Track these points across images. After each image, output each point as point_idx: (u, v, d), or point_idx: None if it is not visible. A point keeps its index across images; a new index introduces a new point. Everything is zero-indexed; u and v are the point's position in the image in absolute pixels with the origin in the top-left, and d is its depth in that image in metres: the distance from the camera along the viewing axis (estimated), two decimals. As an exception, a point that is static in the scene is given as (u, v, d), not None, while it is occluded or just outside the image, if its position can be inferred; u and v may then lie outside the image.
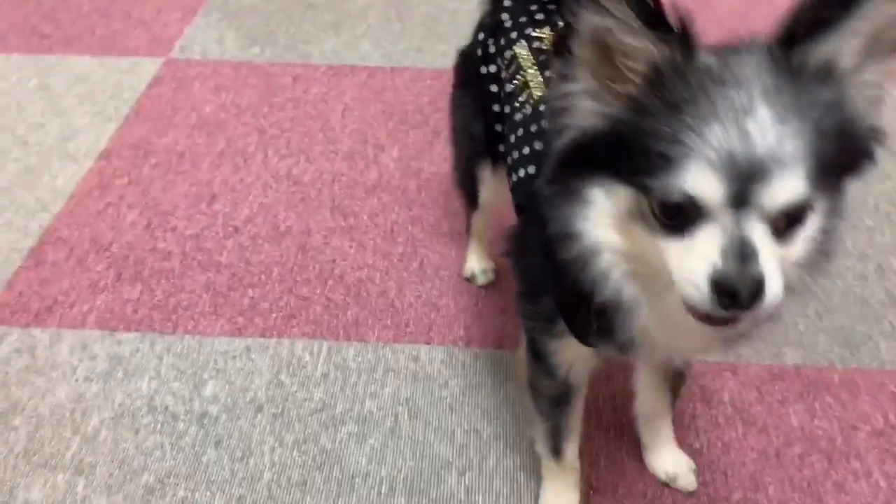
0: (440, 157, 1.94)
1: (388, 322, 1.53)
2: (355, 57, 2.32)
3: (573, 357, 1.05)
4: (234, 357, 1.46)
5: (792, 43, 0.72)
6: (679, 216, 0.72)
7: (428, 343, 1.49)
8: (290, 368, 1.44)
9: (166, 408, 1.37)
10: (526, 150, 1.09)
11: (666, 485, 1.27)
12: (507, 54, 1.21)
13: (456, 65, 1.42)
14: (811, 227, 0.74)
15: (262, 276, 1.62)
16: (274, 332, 1.51)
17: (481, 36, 1.31)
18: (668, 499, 1.25)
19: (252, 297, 1.58)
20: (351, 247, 1.70)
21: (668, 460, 1.27)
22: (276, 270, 1.64)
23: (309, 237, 1.73)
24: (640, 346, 0.91)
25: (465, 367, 1.45)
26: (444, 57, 2.32)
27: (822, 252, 0.79)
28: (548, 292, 0.98)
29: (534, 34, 1.19)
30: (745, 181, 0.68)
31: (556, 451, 1.17)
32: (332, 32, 2.42)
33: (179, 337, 1.49)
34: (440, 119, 2.07)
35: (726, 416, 1.36)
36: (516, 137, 1.13)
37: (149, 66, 2.26)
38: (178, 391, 1.40)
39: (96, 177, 1.87)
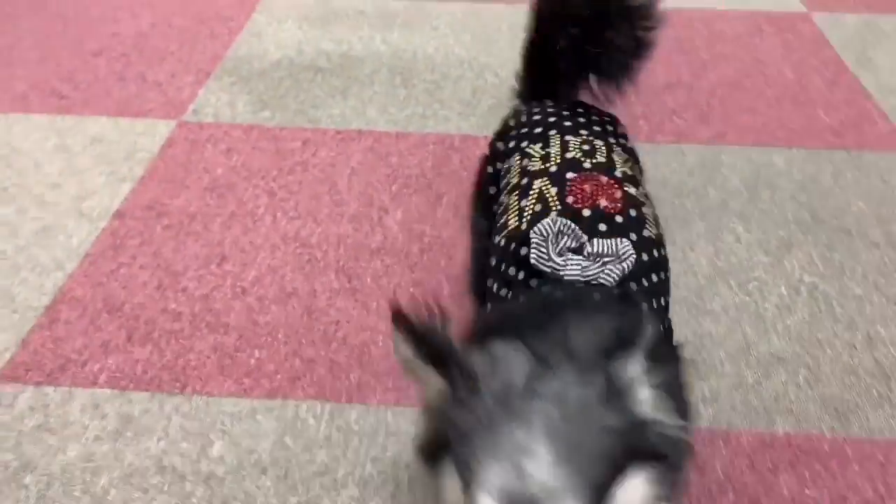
0: (442, 221, 2.01)
1: (390, 385, 1.57)
2: (362, 122, 2.40)
3: None
4: (241, 418, 1.50)
5: (607, 359, 0.76)
6: None
7: (428, 407, 1.53)
8: (295, 430, 1.48)
9: (174, 468, 1.41)
10: (495, 286, 1.12)
11: None
12: (506, 164, 1.29)
13: (479, 165, 1.47)
14: None
15: (269, 338, 1.68)
16: (279, 394, 1.55)
17: (498, 137, 1.40)
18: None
19: (258, 359, 1.62)
20: (355, 309, 1.76)
21: None
22: (282, 332, 1.69)
23: (314, 299, 1.78)
24: None
25: (465, 431, 1.49)
26: (446, 122, 2.41)
27: None
28: None
29: (527, 149, 1.27)
30: None
31: None
32: (339, 98, 2.51)
33: (188, 397, 1.54)
34: (442, 183, 2.15)
35: (718, 485, 1.40)
36: (492, 262, 1.16)
37: (163, 128, 2.35)
38: (185, 451, 1.44)
39: (110, 237, 1.94)
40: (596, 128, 1.29)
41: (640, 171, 1.35)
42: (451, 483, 0.77)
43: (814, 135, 2.37)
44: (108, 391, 1.55)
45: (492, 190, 1.33)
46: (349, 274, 1.85)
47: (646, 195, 1.22)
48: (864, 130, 2.39)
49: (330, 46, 2.82)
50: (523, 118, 1.36)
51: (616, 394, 0.75)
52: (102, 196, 2.07)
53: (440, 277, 1.84)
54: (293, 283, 1.82)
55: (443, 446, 0.78)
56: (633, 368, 0.76)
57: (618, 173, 1.18)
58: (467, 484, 0.73)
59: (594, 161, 1.19)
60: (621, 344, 0.76)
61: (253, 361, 1.62)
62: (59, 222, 1.99)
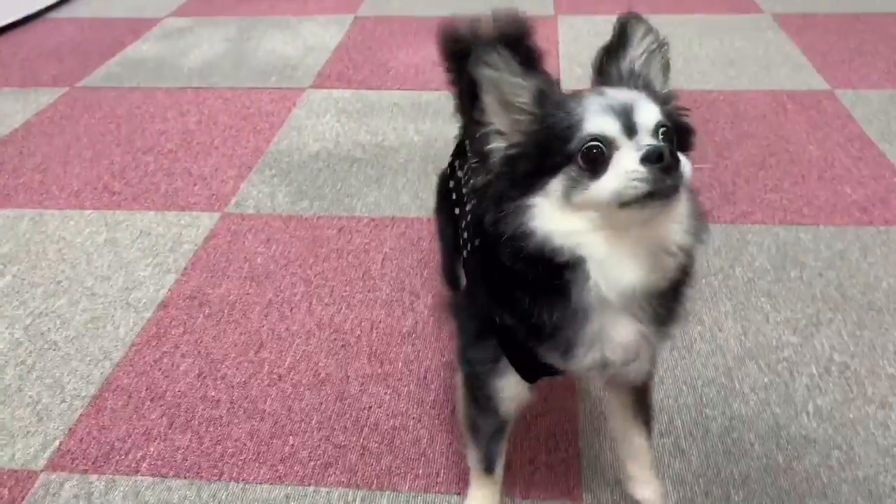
0: (472, 305, 2.06)
1: (420, 472, 1.60)
2: (395, 208, 2.50)
3: (513, 393, 1.25)
4: (275, 505, 1.54)
5: (606, 63, 1.14)
6: (598, 158, 1.00)
7: (459, 493, 1.55)
8: (327, 517, 1.51)
9: (209, 556, 1.45)
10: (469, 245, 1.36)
11: None
12: (466, 167, 1.50)
13: (437, 184, 1.72)
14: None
15: (302, 424, 1.72)
16: (312, 480, 1.59)
17: (451, 159, 1.65)
18: None
19: (292, 445, 1.67)
20: (386, 394, 1.80)
21: (653, 490, 1.41)
22: (315, 418, 1.74)
23: (347, 384, 1.83)
24: (583, 340, 1.09)
25: (494, 517, 1.50)
26: (477, 208, 2.49)
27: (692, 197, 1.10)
28: (492, 335, 1.20)
29: None
30: (625, 116, 1.01)
31: (489, 470, 1.40)
32: (374, 186, 2.62)
33: (225, 484, 1.59)
34: (473, 268, 2.21)
35: (749, 572, 1.38)
36: (466, 222, 1.39)
37: (206, 221, 2.47)
38: (220, 539, 1.48)
39: (154, 327, 2.03)
40: None
41: None
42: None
43: (841, 211, 2.39)
44: (149, 479, 1.60)
45: (455, 196, 1.56)
46: (381, 359, 1.91)
47: None
48: (892, 206, 2.40)
49: (366, 138, 2.95)
50: None
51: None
52: (148, 287, 2.18)
53: (470, 361, 1.87)
54: (327, 369, 1.88)
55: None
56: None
57: None
58: (570, 131, 1.01)
59: None
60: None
61: (287, 448, 1.66)
62: (107, 313, 2.09)
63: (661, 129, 1.02)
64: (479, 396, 1.30)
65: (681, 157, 0.97)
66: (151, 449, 1.67)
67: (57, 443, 1.70)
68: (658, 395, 1.75)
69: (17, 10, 4.21)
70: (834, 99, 3.10)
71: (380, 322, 2.03)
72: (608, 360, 1.11)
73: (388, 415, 1.74)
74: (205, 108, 3.23)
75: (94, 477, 1.62)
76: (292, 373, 1.87)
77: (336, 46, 3.84)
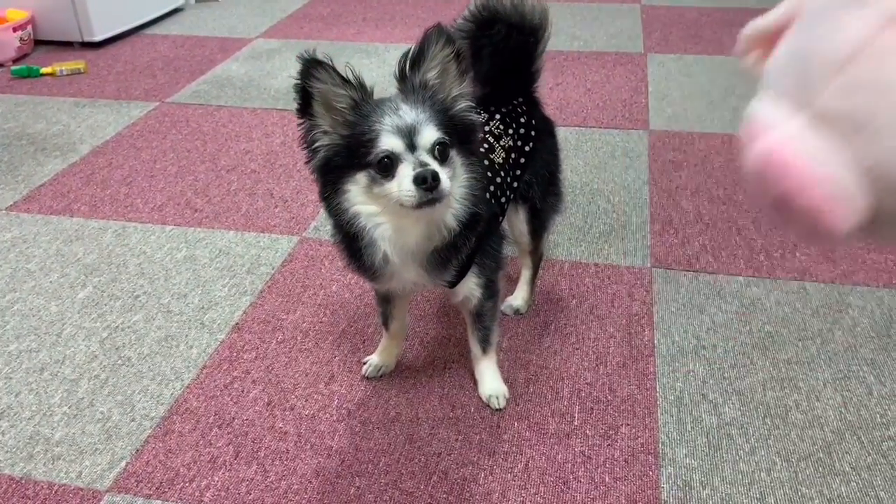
0: (549, 351, 1.98)
1: (490, 528, 1.52)
2: (473, 244, 2.43)
3: (376, 288, 1.80)
4: (337, 550, 1.48)
5: (408, 73, 1.44)
6: (388, 167, 1.38)
7: (529, 556, 1.46)
8: (390, 569, 1.44)
9: None
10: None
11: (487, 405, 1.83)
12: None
13: None
14: (456, 160, 1.44)
15: (370, 465, 1.67)
16: (377, 527, 1.53)
17: None
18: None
19: (358, 487, 1.61)
20: (457, 440, 1.73)
21: (488, 387, 1.84)
22: (383, 460, 1.68)
23: (417, 426, 1.77)
24: (384, 276, 1.56)
25: (566, 586, 1.41)
26: (556, 248, 2.41)
27: (468, 183, 1.49)
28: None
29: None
30: (409, 136, 1.37)
31: (385, 325, 1.91)
32: (453, 219, 2.57)
33: (287, 523, 1.54)
34: (550, 310, 2.13)
35: None
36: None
37: (285, 244, 2.46)
38: (280, 582, 1.42)
39: (227, 350, 2.01)
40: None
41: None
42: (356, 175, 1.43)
43: (953, 277, 2.22)
44: (211, 510, 1.57)
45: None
46: (453, 402, 1.84)
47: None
48: None
49: (446, 168, 2.90)
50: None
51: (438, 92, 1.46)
52: (223, 308, 2.17)
53: (545, 412, 1.79)
54: (397, 408, 1.82)
55: (345, 150, 1.42)
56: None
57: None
58: (370, 144, 1.37)
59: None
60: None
61: (353, 490, 1.61)
62: (181, 332, 2.08)
63: (437, 147, 1.39)
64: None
65: (442, 176, 1.34)
66: (216, 478, 1.64)
67: (123, 463, 1.68)
68: (749, 467, 1.63)
69: (115, 26, 4.35)
70: (945, 155, 2.91)
71: (453, 362, 1.97)
72: (402, 289, 1.72)
73: (457, 463, 1.67)
74: (289, 130, 3.25)
75: (157, 503, 1.59)
76: (362, 409, 1.82)
77: (421, 74, 3.83)
